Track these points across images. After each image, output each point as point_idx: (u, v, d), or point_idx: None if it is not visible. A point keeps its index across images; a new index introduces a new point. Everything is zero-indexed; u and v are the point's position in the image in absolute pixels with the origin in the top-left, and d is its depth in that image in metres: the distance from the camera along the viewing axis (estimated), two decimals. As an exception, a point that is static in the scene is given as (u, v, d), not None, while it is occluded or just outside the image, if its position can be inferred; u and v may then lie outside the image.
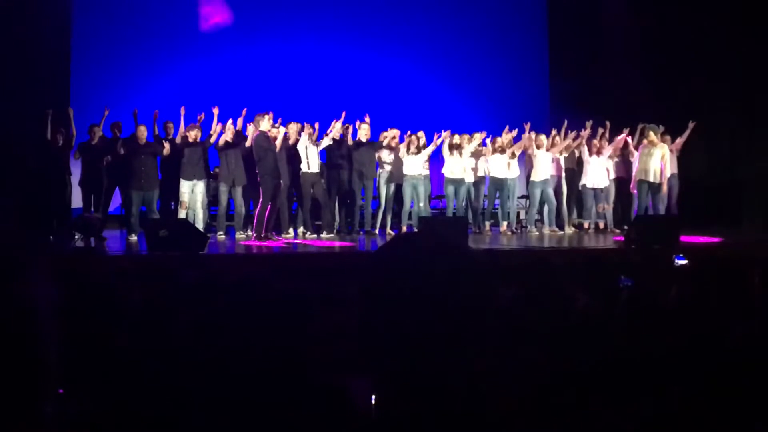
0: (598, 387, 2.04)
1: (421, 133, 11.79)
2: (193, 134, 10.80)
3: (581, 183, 12.11)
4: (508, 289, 2.76)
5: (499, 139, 11.82)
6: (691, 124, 11.76)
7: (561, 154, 12.10)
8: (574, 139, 12.05)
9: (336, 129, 11.31)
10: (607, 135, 12.15)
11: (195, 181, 10.78)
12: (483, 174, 11.98)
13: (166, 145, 10.78)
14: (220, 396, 1.93)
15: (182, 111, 10.88)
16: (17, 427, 0.87)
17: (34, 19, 12.27)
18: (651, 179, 11.46)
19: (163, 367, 2.16)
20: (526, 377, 1.84)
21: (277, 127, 10.70)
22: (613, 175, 12.18)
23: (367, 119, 11.76)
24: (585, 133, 11.97)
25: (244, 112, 11.24)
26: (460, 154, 11.61)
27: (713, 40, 12.20)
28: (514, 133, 11.93)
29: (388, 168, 11.71)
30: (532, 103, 14.90)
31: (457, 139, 11.62)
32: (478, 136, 11.80)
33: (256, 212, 10.46)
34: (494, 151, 11.80)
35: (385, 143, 11.69)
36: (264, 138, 10.38)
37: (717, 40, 12.19)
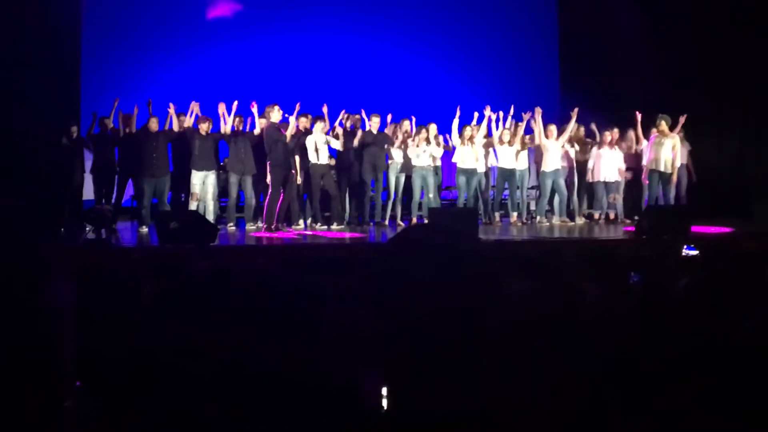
0: (609, 382, 2.03)
1: (432, 126, 11.70)
2: (205, 126, 10.85)
3: (589, 175, 12.06)
4: (518, 281, 2.75)
5: (507, 132, 11.74)
6: (681, 119, 11.70)
7: (572, 145, 12.04)
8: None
9: (339, 124, 11.29)
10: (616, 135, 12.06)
11: (206, 172, 10.80)
12: (492, 164, 11.95)
13: (176, 121, 10.81)
14: (230, 388, 1.94)
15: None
16: (38, 422, 0.87)
17: (44, 11, 12.28)
18: (662, 169, 11.42)
19: (174, 359, 2.17)
20: (537, 372, 1.84)
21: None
22: (623, 166, 12.11)
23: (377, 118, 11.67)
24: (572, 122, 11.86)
25: (254, 107, 11.14)
26: (473, 143, 11.56)
27: (726, 29, 12.13)
28: (522, 127, 11.86)
29: (398, 159, 11.69)
30: (542, 93, 14.83)
31: (468, 131, 11.55)
32: (485, 123, 11.72)
33: (266, 203, 10.49)
34: (501, 142, 11.76)
35: (396, 144, 11.62)
36: (274, 129, 10.40)
37: (729, 30, 12.11)
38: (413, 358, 1.27)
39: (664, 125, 11.41)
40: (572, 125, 11.81)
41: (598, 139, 12.01)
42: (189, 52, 14.57)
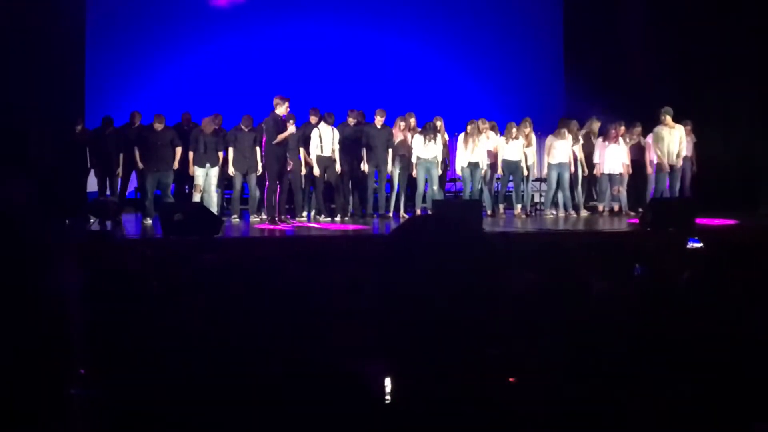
0: (613, 372, 2.03)
1: (439, 121, 11.69)
2: (211, 127, 10.96)
3: (597, 168, 12.03)
4: (522, 273, 2.75)
5: (514, 131, 11.68)
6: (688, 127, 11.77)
7: (576, 140, 12.02)
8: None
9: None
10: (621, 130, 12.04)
11: (209, 167, 10.90)
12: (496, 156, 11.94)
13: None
14: (234, 378, 1.94)
15: None
16: (44, 408, 0.88)
17: (49, 7, 12.26)
18: (672, 163, 11.46)
19: (178, 350, 2.17)
20: (542, 362, 1.84)
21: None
22: (627, 160, 12.06)
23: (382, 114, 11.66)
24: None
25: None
26: (476, 142, 11.55)
27: (731, 22, 12.08)
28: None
29: (401, 151, 11.65)
30: (547, 86, 14.80)
31: (469, 128, 11.54)
32: (492, 134, 11.78)
33: (265, 196, 10.51)
34: (508, 141, 11.75)
35: (399, 138, 11.60)
36: (275, 122, 10.33)
37: (735, 23, 12.06)
38: (417, 348, 1.27)
39: (668, 119, 11.41)
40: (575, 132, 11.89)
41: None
42: (194, 44, 14.51)
